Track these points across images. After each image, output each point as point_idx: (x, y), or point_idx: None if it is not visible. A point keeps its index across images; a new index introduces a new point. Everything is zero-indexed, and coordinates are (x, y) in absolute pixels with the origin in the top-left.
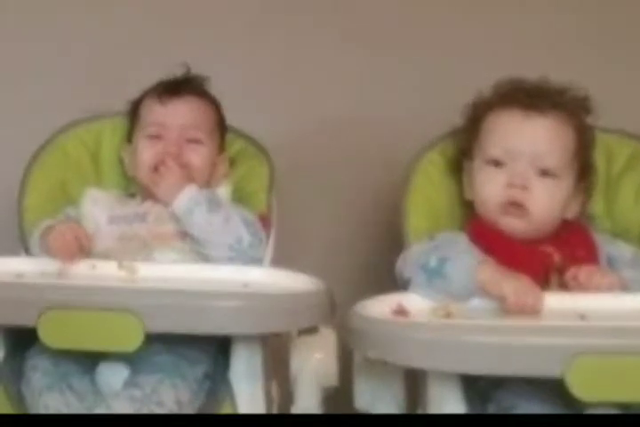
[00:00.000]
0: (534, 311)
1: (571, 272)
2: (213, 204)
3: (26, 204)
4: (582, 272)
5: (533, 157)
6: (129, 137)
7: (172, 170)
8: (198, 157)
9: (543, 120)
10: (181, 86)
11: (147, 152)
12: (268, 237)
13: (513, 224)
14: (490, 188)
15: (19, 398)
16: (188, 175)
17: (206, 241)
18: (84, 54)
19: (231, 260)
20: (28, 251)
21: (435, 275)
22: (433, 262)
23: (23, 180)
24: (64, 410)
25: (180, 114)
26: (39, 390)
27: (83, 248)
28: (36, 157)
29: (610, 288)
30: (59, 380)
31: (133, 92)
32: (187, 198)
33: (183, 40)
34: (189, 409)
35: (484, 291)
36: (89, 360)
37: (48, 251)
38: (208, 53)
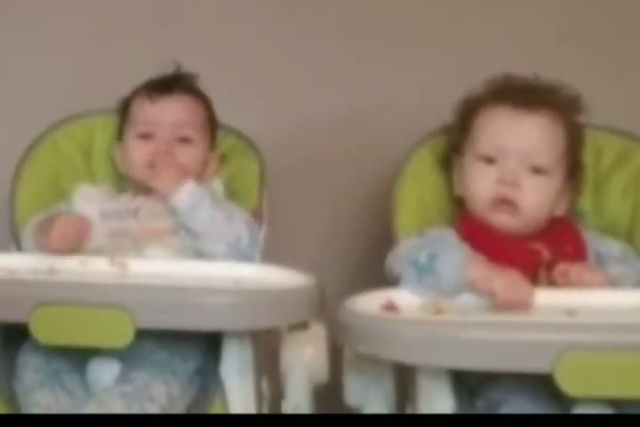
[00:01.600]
0: (525, 306)
1: (560, 269)
2: (216, 200)
3: (18, 199)
4: (573, 270)
5: (524, 155)
6: (119, 135)
7: (168, 164)
8: (190, 155)
9: (535, 118)
10: (172, 84)
11: (138, 152)
12: (259, 232)
13: (503, 220)
14: (481, 184)
15: (10, 394)
16: (183, 172)
17: (206, 235)
18: (77, 51)
19: (226, 256)
20: (19, 247)
21: (425, 271)
22: (423, 258)
23: (15, 175)
24: (54, 407)
25: (171, 112)
26: (30, 387)
27: (82, 238)
28: (28, 153)
29: (599, 286)
30: (50, 377)
31: (126, 88)
32: (189, 192)
33: (176, 38)
34: (180, 405)
35: (474, 287)
36: (80, 357)
37: (47, 239)
38: (200, 52)
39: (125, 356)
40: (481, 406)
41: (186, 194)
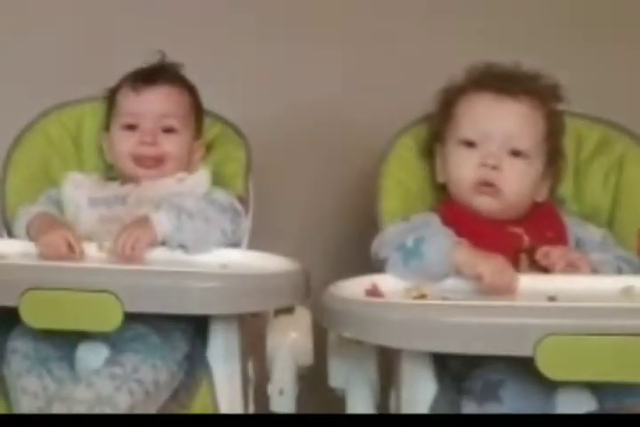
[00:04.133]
0: (510, 291)
1: (542, 250)
2: (184, 214)
3: (8, 186)
4: (555, 251)
5: (505, 138)
6: (106, 125)
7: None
8: (174, 146)
9: (515, 104)
10: (155, 74)
11: (123, 144)
12: (245, 218)
13: (486, 204)
14: (463, 168)
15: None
16: (164, 167)
17: (195, 244)
18: (68, 39)
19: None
20: (9, 232)
21: (411, 255)
22: (410, 243)
23: (5, 162)
24: (41, 394)
25: (155, 103)
26: (18, 374)
27: (74, 253)
28: (18, 139)
29: (579, 264)
30: (38, 364)
31: (115, 76)
32: (164, 220)
33: (165, 25)
34: (167, 390)
35: (459, 271)
36: (69, 345)
37: (39, 245)
38: (189, 39)
39: (115, 340)
40: (464, 391)
41: (164, 223)
